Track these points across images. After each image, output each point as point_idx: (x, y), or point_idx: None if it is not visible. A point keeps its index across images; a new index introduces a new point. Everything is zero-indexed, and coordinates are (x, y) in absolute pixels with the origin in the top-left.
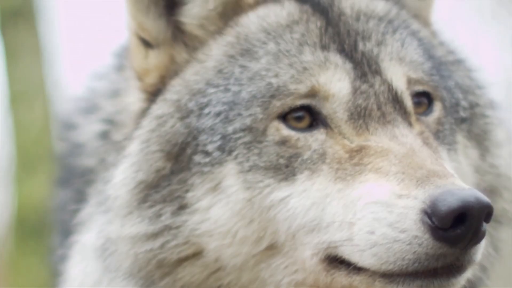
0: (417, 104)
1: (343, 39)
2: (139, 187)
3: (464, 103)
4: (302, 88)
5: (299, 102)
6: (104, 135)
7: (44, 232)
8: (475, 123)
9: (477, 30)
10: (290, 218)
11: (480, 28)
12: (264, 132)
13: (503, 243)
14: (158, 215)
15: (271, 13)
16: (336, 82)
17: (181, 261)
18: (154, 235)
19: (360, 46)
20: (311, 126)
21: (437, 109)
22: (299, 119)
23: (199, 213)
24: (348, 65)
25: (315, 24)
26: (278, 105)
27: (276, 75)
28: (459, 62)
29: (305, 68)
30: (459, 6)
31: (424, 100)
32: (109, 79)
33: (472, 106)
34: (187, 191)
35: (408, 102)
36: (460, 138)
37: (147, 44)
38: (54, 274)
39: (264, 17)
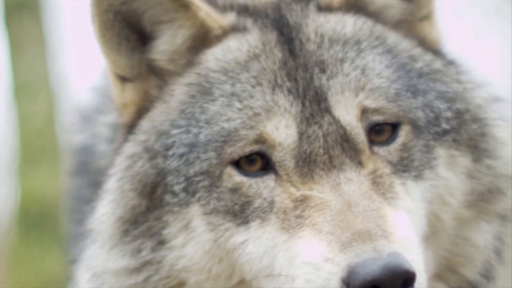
0: (378, 132)
1: (300, 73)
2: (119, 222)
3: (448, 113)
4: (252, 135)
5: (249, 149)
6: (111, 141)
7: (48, 224)
8: (465, 130)
9: (480, 25)
10: (249, 262)
11: (484, 23)
12: (220, 177)
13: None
14: (139, 250)
15: (233, 47)
16: (282, 129)
17: None
18: (137, 270)
19: (315, 80)
20: (264, 169)
21: (403, 134)
22: (251, 162)
23: (176, 249)
24: (297, 108)
25: (276, 57)
26: (229, 151)
27: (228, 120)
28: (447, 66)
29: (255, 114)
30: (463, 1)
31: (387, 127)
32: None
33: (460, 113)
34: (163, 227)
35: (360, 138)
36: (441, 151)
37: (123, 78)
38: (71, 261)
39: (225, 53)
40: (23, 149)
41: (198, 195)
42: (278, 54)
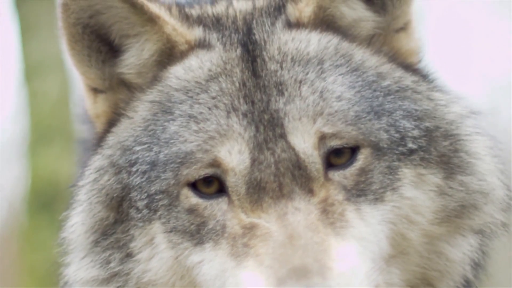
0: (337, 154)
1: (257, 95)
2: (89, 232)
3: (415, 132)
4: (207, 158)
5: (204, 172)
6: None
7: (58, 205)
8: (435, 147)
9: (490, 9)
10: (205, 282)
11: (493, 7)
12: (177, 197)
13: (492, 253)
14: (108, 261)
15: (195, 65)
16: (235, 154)
17: None
18: (106, 280)
19: (272, 104)
20: (220, 192)
21: (362, 158)
22: (208, 183)
23: (142, 263)
24: (251, 133)
25: (235, 77)
26: (185, 173)
27: (185, 141)
28: (418, 83)
29: (210, 137)
30: None
31: (346, 150)
32: None
33: (429, 131)
34: (130, 240)
35: (315, 166)
36: (407, 171)
37: (95, 90)
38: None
39: (187, 71)
40: (34, 129)
41: (159, 213)
42: (238, 74)
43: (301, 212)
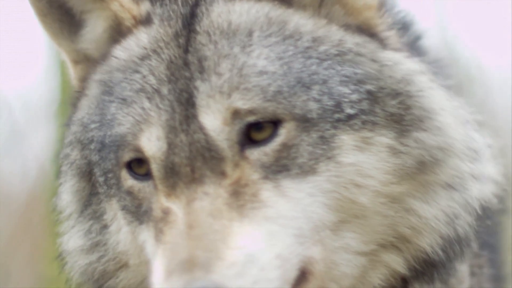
0: (257, 130)
1: (182, 74)
2: (74, 201)
3: (354, 96)
4: (133, 144)
5: (134, 154)
6: None
7: None
8: (381, 108)
9: None
10: (149, 261)
11: None
12: (120, 178)
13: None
14: (90, 231)
15: (133, 44)
16: (154, 141)
17: (117, 270)
18: (90, 250)
19: (192, 81)
20: (150, 174)
21: (284, 132)
22: (139, 162)
23: (114, 234)
24: (169, 116)
25: (164, 55)
26: (120, 155)
27: (119, 124)
28: (362, 45)
29: (136, 121)
30: None
31: (268, 125)
32: None
33: (371, 93)
34: (103, 212)
35: (225, 144)
36: (346, 137)
37: (73, 60)
38: None
39: (125, 49)
40: (64, 91)
41: (112, 191)
42: (169, 50)
43: (208, 197)
